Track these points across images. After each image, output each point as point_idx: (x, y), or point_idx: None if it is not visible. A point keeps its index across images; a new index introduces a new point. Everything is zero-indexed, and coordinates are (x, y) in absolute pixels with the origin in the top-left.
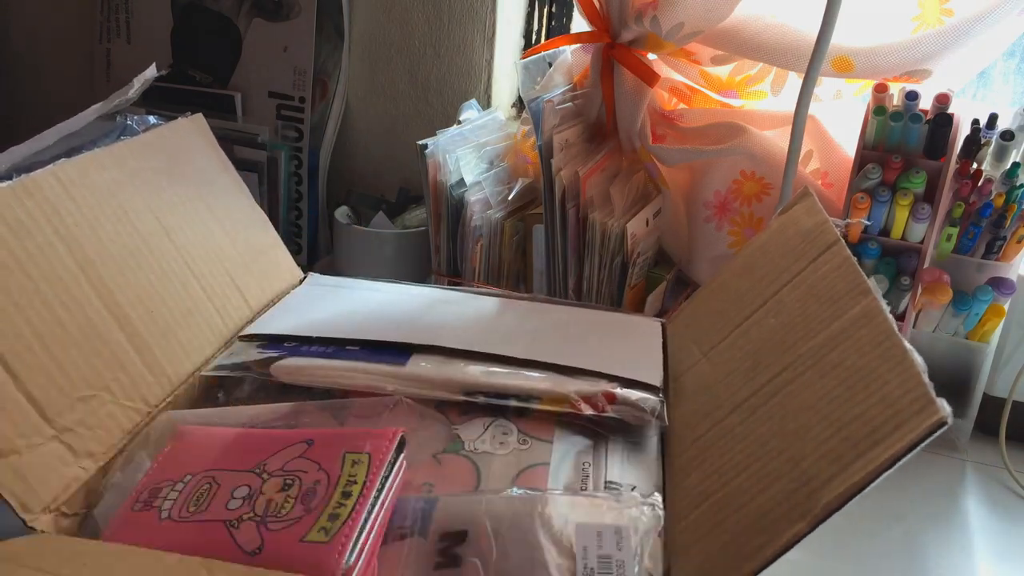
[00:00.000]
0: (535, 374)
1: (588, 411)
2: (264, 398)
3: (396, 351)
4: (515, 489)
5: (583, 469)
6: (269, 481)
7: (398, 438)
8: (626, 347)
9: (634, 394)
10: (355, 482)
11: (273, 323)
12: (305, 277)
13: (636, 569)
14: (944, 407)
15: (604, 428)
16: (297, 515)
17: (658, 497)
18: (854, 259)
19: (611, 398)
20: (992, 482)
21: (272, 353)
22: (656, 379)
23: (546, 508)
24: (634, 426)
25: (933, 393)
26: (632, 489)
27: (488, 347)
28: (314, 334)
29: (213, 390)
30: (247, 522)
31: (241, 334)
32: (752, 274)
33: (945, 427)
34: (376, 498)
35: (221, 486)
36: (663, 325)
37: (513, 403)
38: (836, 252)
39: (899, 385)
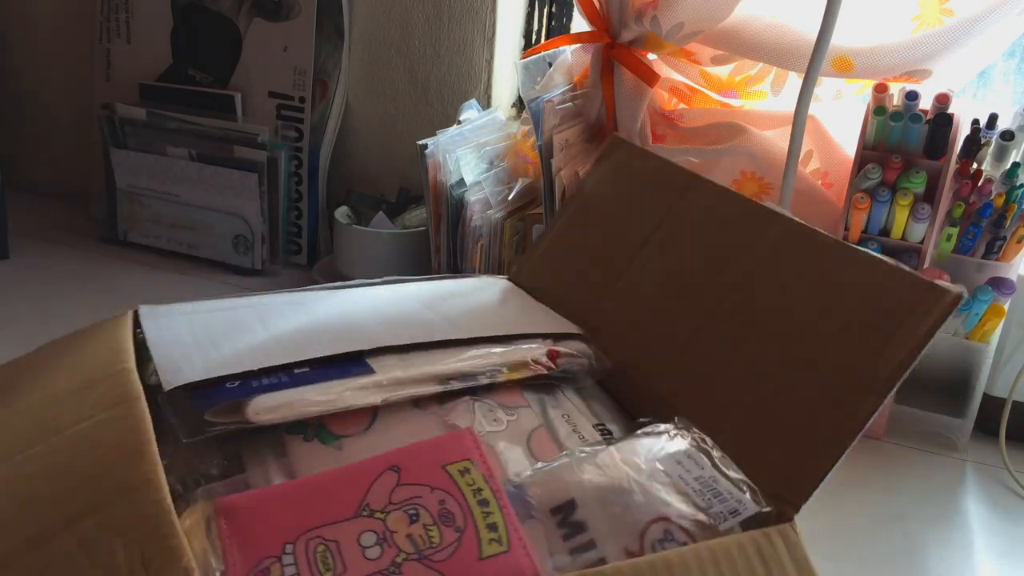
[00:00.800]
0: (496, 349)
1: (544, 371)
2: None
3: (350, 362)
4: (575, 451)
5: (567, 421)
6: (390, 519)
7: (475, 435)
8: (518, 307)
9: (570, 345)
10: (480, 488)
11: (188, 370)
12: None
13: (731, 476)
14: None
15: (552, 382)
16: (453, 540)
17: (681, 420)
18: (733, 189)
19: (555, 355)
20: (992, 482)
21: (226, 398)
22: (571, 327)
23: (623, 456)
24: (575, 374)
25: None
26: (604, 430)
27: (430, 335)
28: (245, 367)
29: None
30: (409, 563)
31: (169, 388)
32: (608, 218)
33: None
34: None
35: (339, 541)
36: (510, 280)
37: (484, 381)
38: (706, 185)
39: (889, 278)
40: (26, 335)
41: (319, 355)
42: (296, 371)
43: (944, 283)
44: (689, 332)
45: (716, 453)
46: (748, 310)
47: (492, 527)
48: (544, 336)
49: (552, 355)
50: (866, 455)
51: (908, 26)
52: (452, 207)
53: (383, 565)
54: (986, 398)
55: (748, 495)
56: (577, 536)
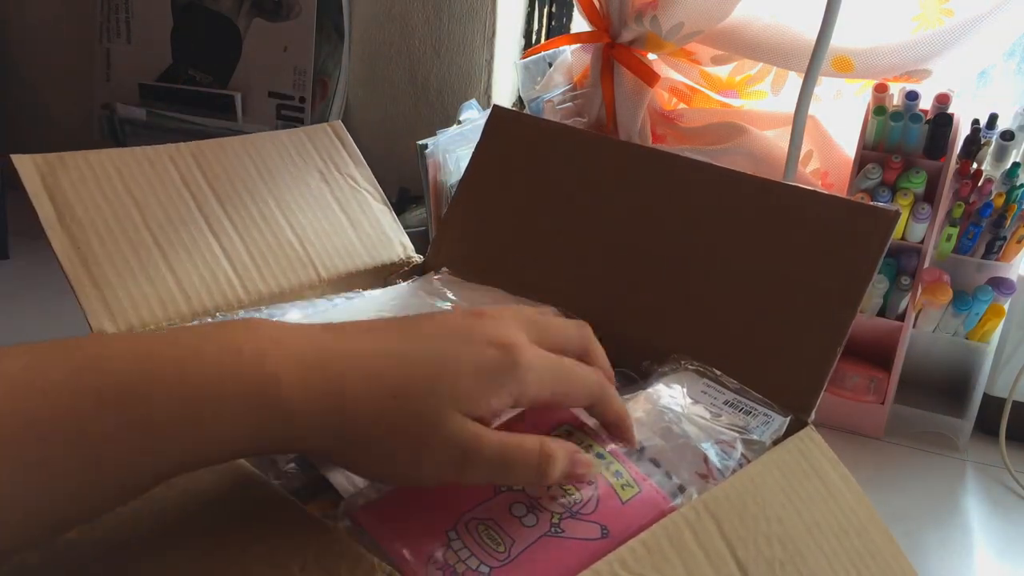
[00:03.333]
0: None
1: None
2: None
3: None
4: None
5: None
6: (527, 488)
7: None
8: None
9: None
10: (590, 444)
11: None
12: None
13: (749, 394)
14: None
15: None
16: (591, 494)
17: (680, 357)
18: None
19: None
20: (992, 482)
21: None
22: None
23: (654, 399)
24: None
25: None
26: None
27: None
28: None
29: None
30: (566, 521)
31: None
32: (516, 188)
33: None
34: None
35: (494, 518)
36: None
37: None
38: (609, 143)
39: (827, 207)
40: (26, 335)
41: None
42: None
43: (881, 204)
44: (647, 279)
45: (725, 379)
46: (700, 252)
47: (618, 474)
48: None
49: None
50: (866, 455)
51: (908, 26)
52: None
53: (545, 528)
54: (986, 398)
55: (769, 409)
56: (656, 471)
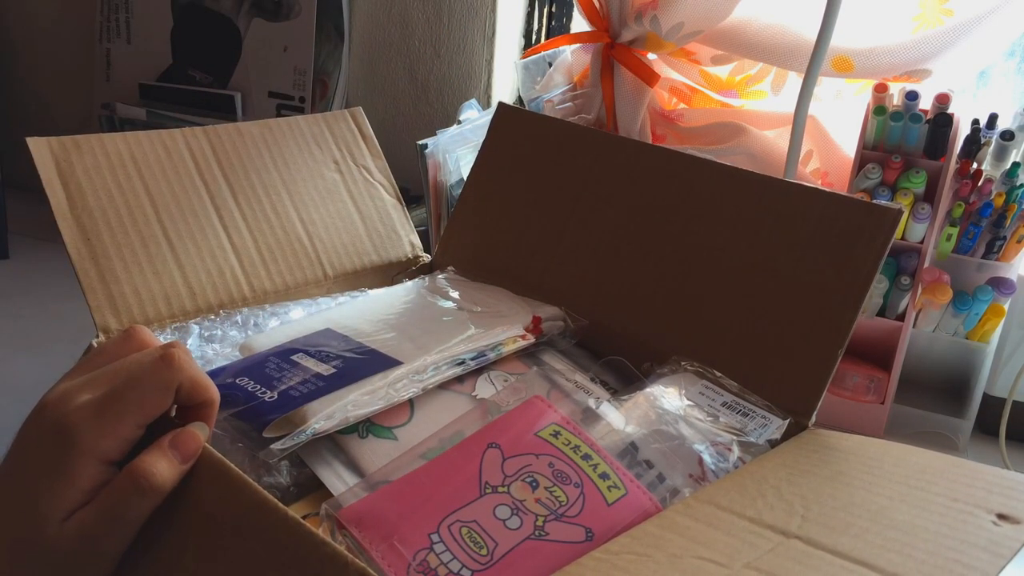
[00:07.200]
0: (492, 328)
1: (533, 338)
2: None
3: (371, 356)
4: (602, 402)
5: (567, 379)
6: (513, 489)
7: (546, 400)
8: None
9: (546, 311)
10: (578, 445)
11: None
12: None
13: (748, 397)
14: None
15: (537, 349)
16: (576, 495)
17: (680, 358)
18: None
19: (538, 320)
20: None
21: (277, 413)
22: (534, 309)
23: (652, 399)
24: (554, 338)
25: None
26: (596, 381)
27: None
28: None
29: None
30: (550, 523)
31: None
32: (523, 185)
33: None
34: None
35: (478, 520)
36: (447, 268)
37: (492, 356)
38: (617, 141)
39: (830, 205)
40: (26, 335)
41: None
42: (324, 373)
43: (884, 202)
44: (651, 279)
45: (725, 381)
46: (704, 251)
47: (604, 476)
48: (517, 306)
49: (536, 321)
50: None
51: (908, 26)
52: (452, 207)
53: (528, 531)
54: (986, 398)
55: (768, 411)
56: (648, 473)
